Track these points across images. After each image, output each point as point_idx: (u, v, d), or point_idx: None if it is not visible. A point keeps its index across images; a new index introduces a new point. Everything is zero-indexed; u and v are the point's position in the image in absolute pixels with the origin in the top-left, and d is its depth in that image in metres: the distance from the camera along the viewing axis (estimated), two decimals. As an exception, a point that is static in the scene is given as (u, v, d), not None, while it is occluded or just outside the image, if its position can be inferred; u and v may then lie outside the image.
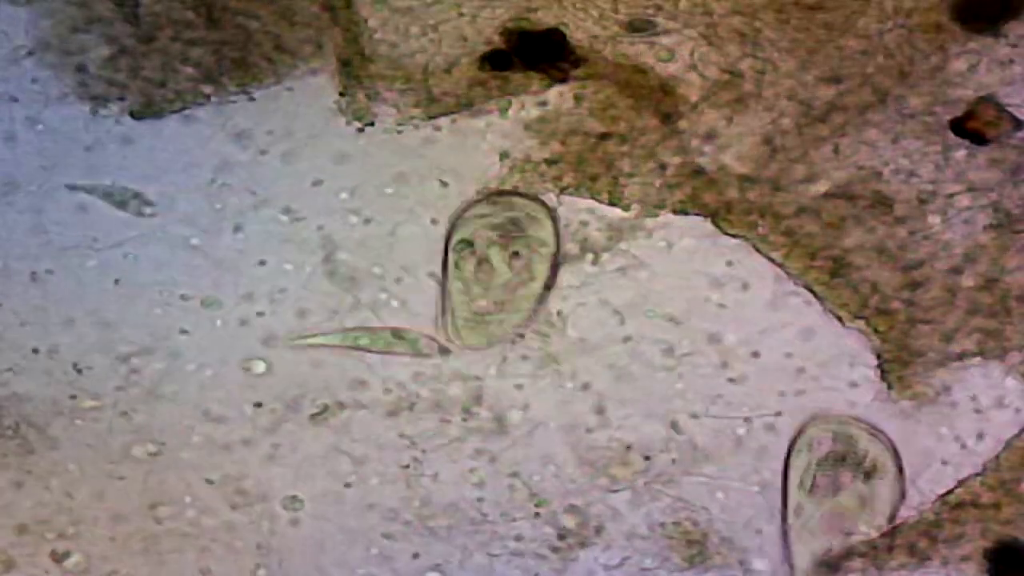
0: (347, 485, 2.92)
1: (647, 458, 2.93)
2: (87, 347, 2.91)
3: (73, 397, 2.90)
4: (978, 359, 2.93)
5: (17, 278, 2.92)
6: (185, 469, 2.92)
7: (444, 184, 2.95)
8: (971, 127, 2.91)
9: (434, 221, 2.95)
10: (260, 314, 2.93)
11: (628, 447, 2.93)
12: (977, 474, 2.94)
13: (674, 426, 2.93)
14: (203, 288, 2.92)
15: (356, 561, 2.93)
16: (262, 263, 2.94)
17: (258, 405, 2.92)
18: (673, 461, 2.93)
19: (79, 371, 2.91)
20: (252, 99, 2.95)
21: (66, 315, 2.92)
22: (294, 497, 2.91)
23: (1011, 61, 2.91)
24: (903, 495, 2.90)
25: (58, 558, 2.90)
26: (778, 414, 2.93)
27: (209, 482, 2.91)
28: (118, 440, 2.91)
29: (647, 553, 2.92)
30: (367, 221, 2.94)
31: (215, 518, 2.92)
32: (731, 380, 2.94)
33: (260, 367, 2.92)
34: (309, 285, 2.93)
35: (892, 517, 2.89)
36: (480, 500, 2.93)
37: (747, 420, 2.93)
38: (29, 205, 2.94)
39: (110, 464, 2.91)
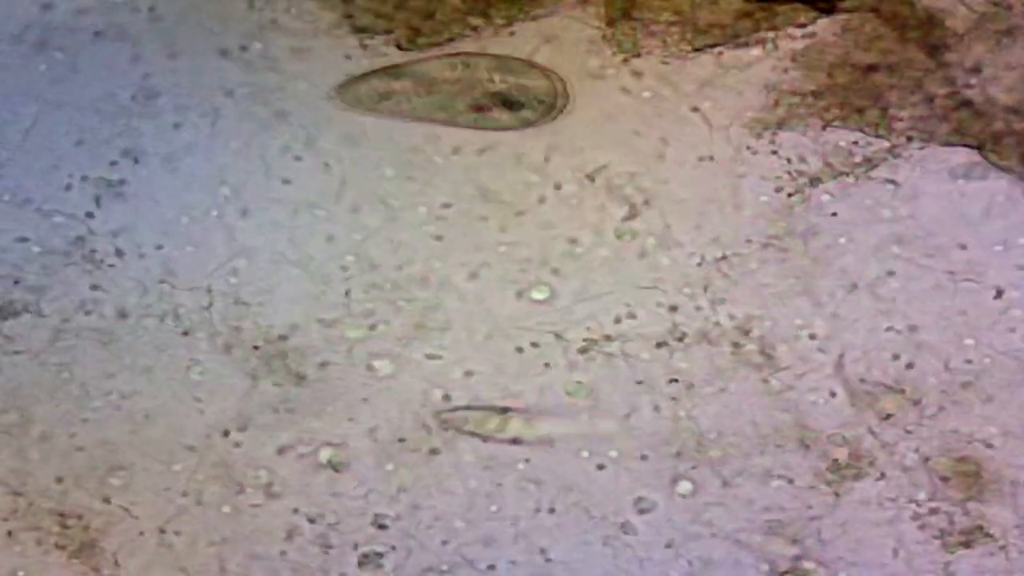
0: (616, 416, 2.89)
1: (918, 391, 2.89)
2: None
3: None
4: None
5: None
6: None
7: (708, 117, 2.94)
8: None
9: (700, 154, 2.94)
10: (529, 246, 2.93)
11: (898, 380, 2.89)
12: None
13: (946, 357, 2.89)
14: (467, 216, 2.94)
15: (626, 489, 2.89)
16: (528, 184, 2.93)
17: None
18: (944, 392, 2.89)
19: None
20: (513, 32, 2.96)
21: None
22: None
23: None
24: None
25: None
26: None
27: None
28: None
29: (920, 486, 2.87)
30: (635, 151, 2.94)
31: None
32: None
33: (542, 294, 2.91)
34: (578, 208, 2.93)
35: None
36: (750, 431, 2.88)
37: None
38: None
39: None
